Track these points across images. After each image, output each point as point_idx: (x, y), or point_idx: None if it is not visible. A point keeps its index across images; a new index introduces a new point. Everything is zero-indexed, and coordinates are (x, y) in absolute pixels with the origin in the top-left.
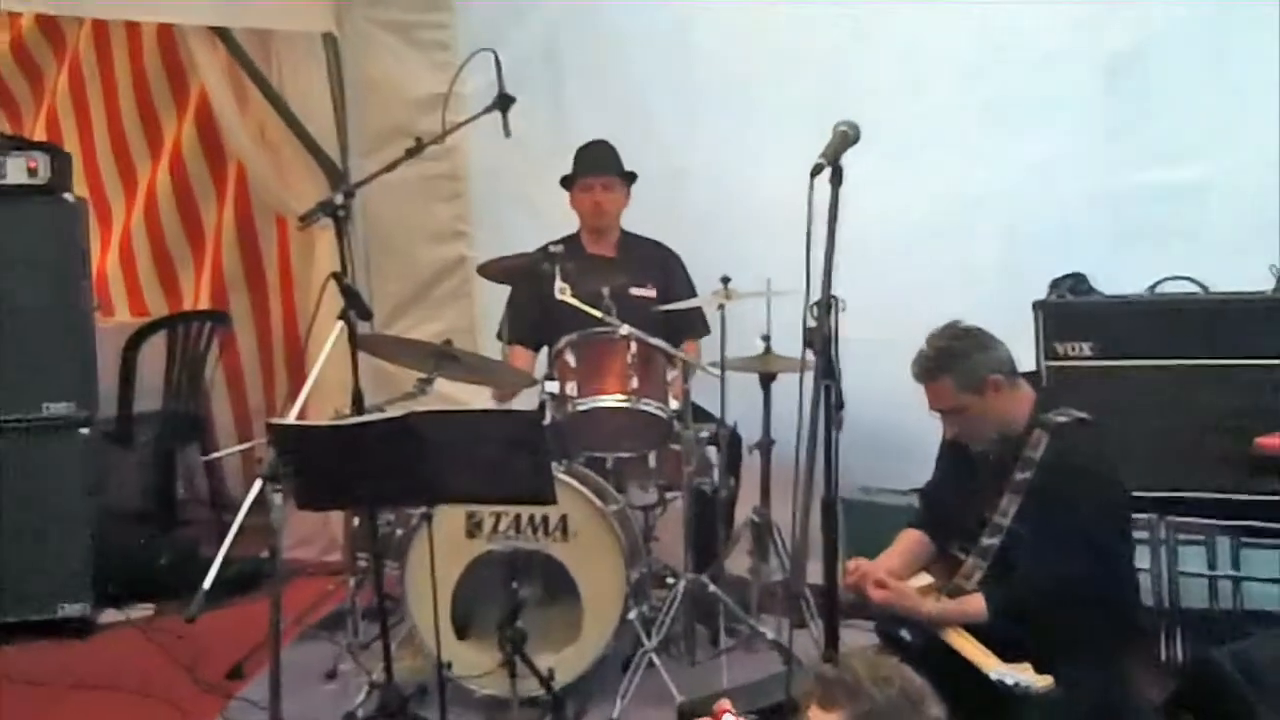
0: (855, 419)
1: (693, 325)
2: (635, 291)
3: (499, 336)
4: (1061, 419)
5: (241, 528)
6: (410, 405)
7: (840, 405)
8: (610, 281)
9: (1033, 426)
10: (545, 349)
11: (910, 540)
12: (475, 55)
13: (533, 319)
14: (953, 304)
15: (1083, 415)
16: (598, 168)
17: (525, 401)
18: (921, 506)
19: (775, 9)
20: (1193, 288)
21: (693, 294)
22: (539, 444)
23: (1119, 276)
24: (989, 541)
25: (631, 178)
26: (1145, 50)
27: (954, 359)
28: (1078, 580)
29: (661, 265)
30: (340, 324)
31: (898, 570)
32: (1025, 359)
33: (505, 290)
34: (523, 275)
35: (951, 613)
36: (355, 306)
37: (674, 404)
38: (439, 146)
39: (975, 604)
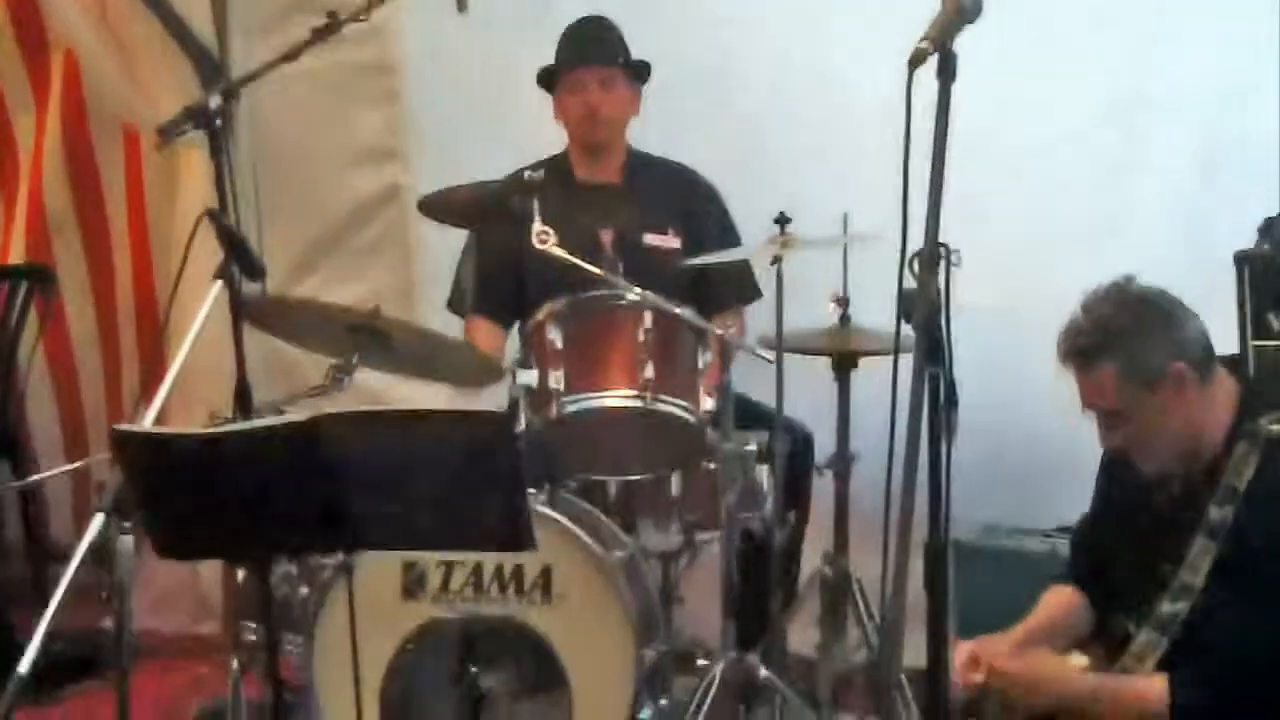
0: (974, 424)
1: (735, 287)
2: (650, 239)
3: (450, 305)
4: (1277, 428)
5: (73, 585)
6: (321, 405)
7: (954, 403)
8: (613, 222)
9: (1235, 439)
10: (520, 323)
11: (1057, 603)
12: None
13: (501, 279)
14: (1113, 258)
15: None
16: (591, 56)
17: (492, 400)
18: (1073, 554)
19: None
20: None
21: (735, 241)
22: (511, 462)
23: None
24: (1171, 608)
25: (642, 71)
26: None
27: (1123, 338)
28: None
29: (686, 200)
30: (218, 285)
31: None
32: (1223, 339)
33: (460, 237)
34: (486, 215)
35: (1115, 694)
36: (240, 260)
37: (707, 403)
38: (361, 25)
39: (1153, 686)
